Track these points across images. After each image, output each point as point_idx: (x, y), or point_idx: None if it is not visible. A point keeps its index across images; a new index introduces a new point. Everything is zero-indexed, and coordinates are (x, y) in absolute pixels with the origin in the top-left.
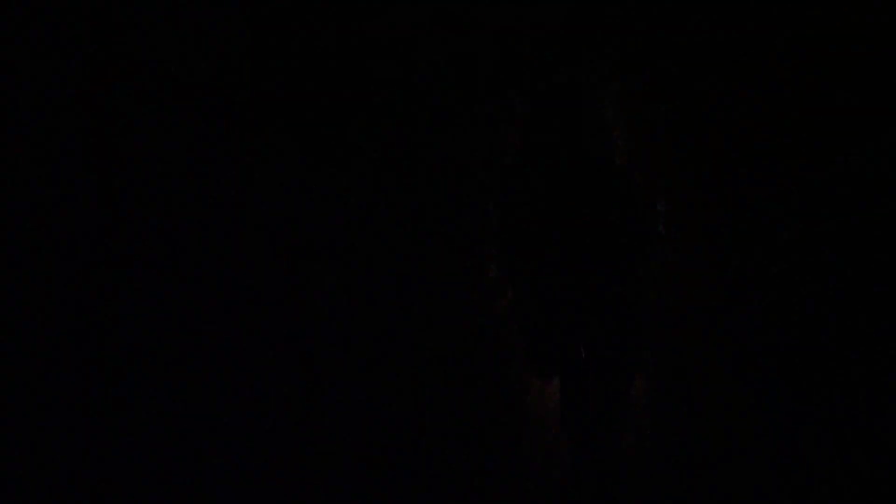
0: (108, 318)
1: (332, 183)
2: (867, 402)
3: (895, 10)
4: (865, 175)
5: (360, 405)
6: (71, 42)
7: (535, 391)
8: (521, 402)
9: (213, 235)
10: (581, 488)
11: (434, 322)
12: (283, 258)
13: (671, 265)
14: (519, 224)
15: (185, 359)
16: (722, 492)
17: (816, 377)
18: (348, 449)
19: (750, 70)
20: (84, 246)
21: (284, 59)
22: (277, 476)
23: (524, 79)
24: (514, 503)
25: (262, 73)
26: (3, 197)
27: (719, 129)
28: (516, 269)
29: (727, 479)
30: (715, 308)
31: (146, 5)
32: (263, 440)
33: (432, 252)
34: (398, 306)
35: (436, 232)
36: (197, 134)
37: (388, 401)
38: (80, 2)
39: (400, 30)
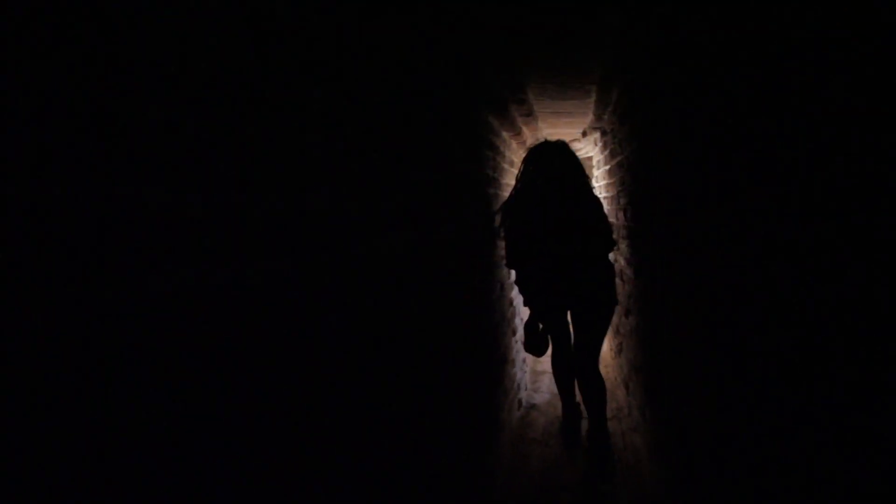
0: (108, 317)
1: (331, 182)
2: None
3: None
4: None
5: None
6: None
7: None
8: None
9: (212, 235)
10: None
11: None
12: (282, 257)
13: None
14: (520, 231)
15: (184, 359)
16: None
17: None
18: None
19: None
20: (82, 245)
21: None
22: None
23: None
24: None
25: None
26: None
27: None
28: (513, 265)
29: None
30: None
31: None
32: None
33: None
34: (397, 306)
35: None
36: (196, 132)
37: (386, 401)
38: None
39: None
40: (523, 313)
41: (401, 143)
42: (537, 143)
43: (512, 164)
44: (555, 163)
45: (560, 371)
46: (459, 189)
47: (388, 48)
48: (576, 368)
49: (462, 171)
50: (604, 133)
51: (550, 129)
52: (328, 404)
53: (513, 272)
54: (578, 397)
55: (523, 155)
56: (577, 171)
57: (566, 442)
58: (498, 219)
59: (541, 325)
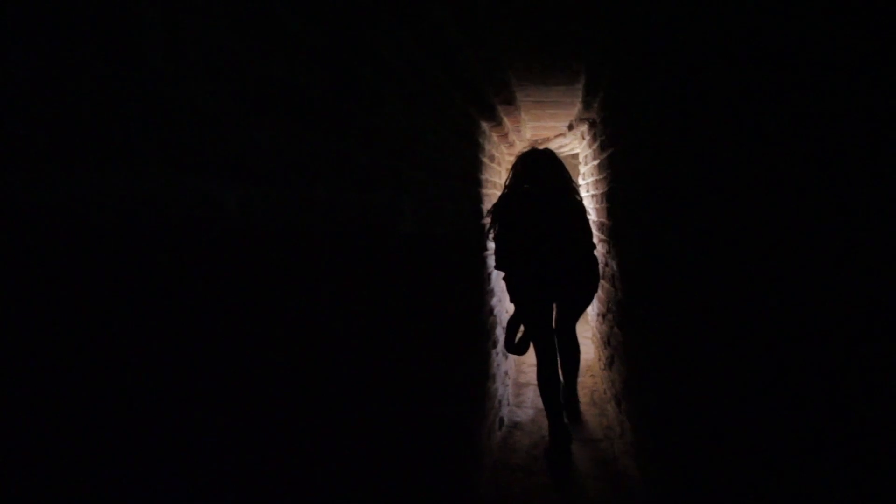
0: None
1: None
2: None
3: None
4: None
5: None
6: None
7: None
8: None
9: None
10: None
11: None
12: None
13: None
14: (509, 235)
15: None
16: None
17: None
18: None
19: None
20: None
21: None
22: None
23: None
24: None
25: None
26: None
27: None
28: (503, 266)
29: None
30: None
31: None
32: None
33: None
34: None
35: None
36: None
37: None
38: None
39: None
40: (503, 321)
41: (345, 117)
42: (526, 150)
43: (493, 158)
44: (542, 168)
45: (546, 386)
46: (428, 179)
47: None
48: (558, 330)
49: (432, 160)
50: (593, 124)
51: (535, 122)
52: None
53: (492, 277)
54: (566, 416)
55: (504, 150)
56: (562, 177)
57: (553, 470)
58: (488, 221)
59: (521, 329)
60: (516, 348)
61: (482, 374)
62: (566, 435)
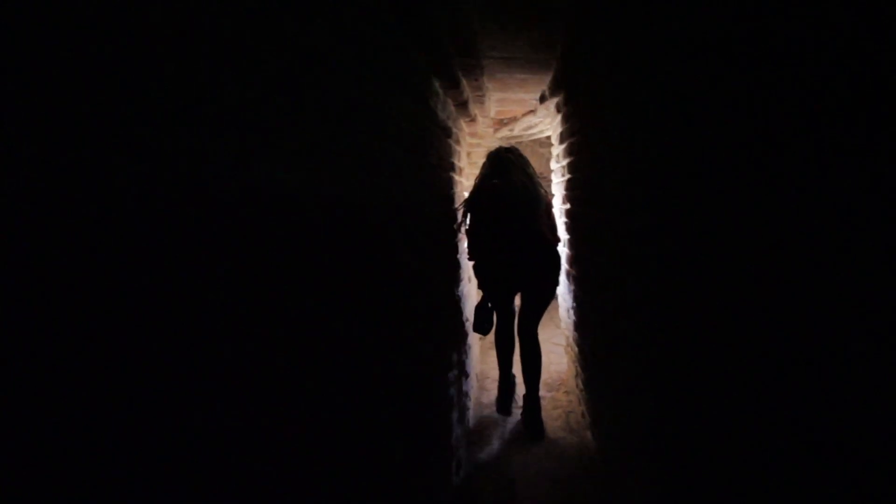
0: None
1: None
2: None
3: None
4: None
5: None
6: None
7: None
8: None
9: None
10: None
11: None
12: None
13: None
14: (479, 227)
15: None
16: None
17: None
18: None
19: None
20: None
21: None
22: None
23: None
24: None
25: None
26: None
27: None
28: (474, 257)
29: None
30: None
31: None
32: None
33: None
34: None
35: None
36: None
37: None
38: None
39: None
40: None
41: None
42: (494, 149)
43: (449, 133)
44: (510, 164)
45: (503, 345)
46: (341, 136)
47: None
48: (520, 332)
49: (353, 114)
50: (571, 93)
51: (500, 93)
52: None
53: (463, 285)
54: (515, 369)
55: (465, 126)
56: (527, 172)
57: (501, 408)
58: (459, 215)
59: (489, 304)
60: (482, 329)
61: (435, 407)
62: (512, 383)
